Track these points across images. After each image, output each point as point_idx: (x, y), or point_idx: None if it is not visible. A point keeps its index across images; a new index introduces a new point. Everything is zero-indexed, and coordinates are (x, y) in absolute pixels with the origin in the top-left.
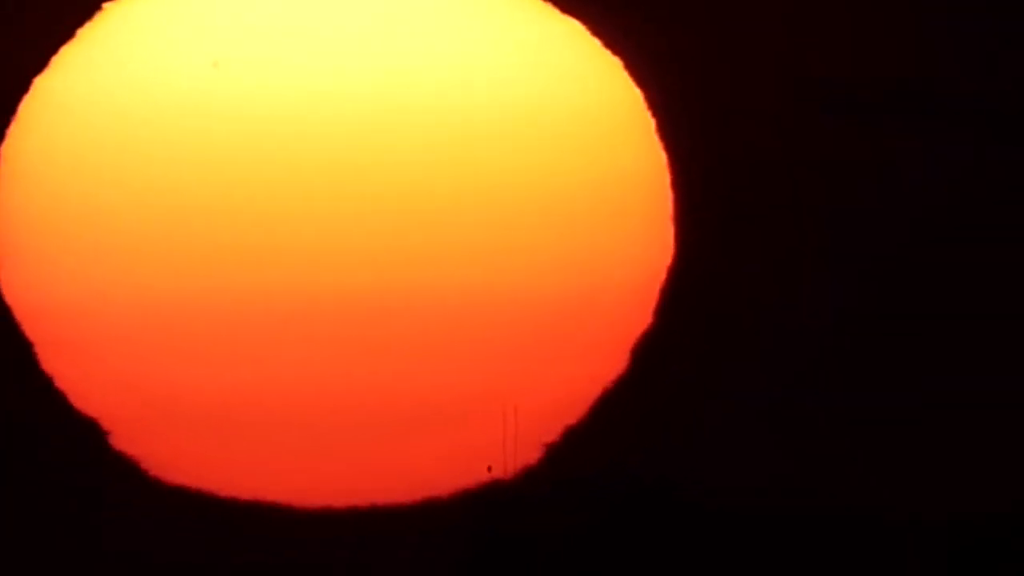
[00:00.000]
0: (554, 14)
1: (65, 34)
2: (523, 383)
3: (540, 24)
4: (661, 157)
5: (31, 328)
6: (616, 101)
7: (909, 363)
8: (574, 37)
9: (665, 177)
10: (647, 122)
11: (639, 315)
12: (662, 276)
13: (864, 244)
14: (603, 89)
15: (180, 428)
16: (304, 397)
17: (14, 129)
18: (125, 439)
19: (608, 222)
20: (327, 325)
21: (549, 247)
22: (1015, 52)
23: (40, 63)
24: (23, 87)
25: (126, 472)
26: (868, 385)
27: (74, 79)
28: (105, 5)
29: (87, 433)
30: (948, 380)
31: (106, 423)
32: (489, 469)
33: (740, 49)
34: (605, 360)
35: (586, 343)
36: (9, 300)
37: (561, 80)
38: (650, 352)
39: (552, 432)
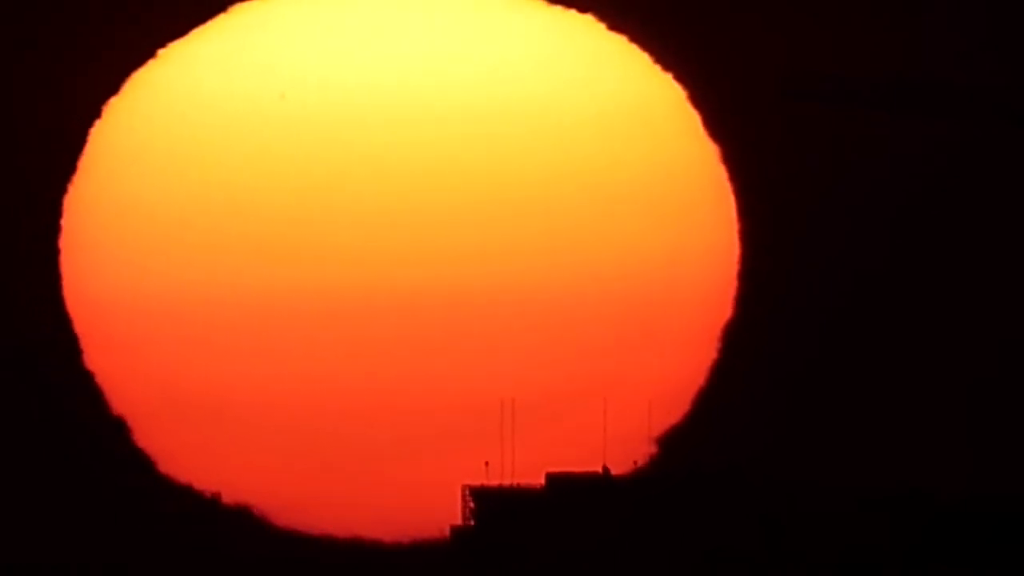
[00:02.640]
0: (571, 13)
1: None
2: (618, 379)
3: (565, 25)
4: (713, 150)
5: (82, 324)
6: (664, 98)
7: (908, 362)
8: (596, 33)
9: (721, 171)
10: (694, 117)
11: (721, 305)
12: (735, 266)
13: (861, 244)
14: (650, 87)
15: (206, 430)
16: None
17: (101, 123)
18: (148, 437)
19: (678, 216)
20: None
21: (629, 243)
22: (1015, 52)
23: (143, 57)
24: (119, 82)
25: (143, 468)
26: (868, 384)
27: (172, 79)
28: (233, 7)
29: (114, 429)
30: (947, 379)
31: (134, 421)
32: (487, 464)
33: (740, 48)
34: (696, 352)
35: (676, 336)
36: (67, 294)
37: (612, 79)
38: (737, 340)
39: (659, 425)
